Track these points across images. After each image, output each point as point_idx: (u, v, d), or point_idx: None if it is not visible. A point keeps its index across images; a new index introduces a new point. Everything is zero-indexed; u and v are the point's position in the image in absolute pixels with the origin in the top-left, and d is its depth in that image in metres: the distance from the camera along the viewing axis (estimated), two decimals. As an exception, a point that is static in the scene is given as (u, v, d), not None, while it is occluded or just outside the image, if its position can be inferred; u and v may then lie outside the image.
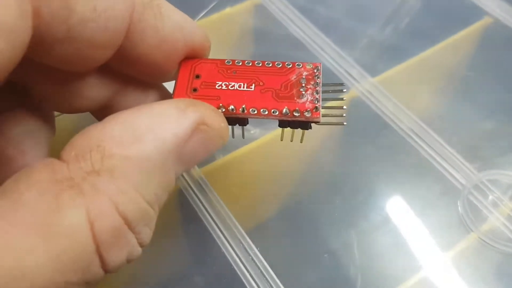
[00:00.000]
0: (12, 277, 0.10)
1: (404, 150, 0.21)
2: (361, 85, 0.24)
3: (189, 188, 0.20)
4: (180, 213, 0.20)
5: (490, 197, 0.20)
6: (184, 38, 0.15)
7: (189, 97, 0.16)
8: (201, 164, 0.20)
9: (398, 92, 0.23)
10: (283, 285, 0.17)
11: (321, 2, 0.28)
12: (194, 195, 0.19)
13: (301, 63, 0.16)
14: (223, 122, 0.14)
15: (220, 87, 0.16)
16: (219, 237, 0.18)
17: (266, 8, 0.28)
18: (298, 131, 0.16)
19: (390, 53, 0.26)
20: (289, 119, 0.15)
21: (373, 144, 0.21)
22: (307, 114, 0.15)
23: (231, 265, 0.18)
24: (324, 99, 0.16)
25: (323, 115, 0.15)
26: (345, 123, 0.16)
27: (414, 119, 0.22)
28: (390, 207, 0.19)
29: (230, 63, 0.16)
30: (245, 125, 0.16)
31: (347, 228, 0.19)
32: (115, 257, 0.12)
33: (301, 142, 0.17)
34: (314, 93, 0.16)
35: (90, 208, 0.11)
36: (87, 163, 0.11)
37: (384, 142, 0.22)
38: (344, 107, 0.16)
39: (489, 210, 0.19)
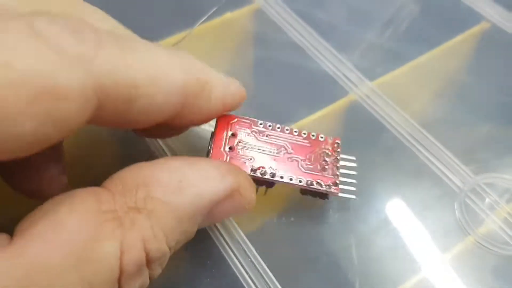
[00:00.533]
0: None
1: (402, 153, 0.21)
2: (360, 89, 0.24)
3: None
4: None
5: (487, 200, 0.20)
6: (224, 107, 0.16)
7: (226, 155, 0.17)
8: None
9: (396, 96, 0.24)
10: (282, 287, 0.17)
11: (320, 6, 0.29)
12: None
13: (324, 136, 0.19)
14: (253, 193, 0.16)
15: (253, 149, 0.18)
16: (218, 240, 0.19)
17: (266, 13, 0.28)
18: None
19: (389, 57, 0.26)
20: (312, 189, 0.17)
21: (371, 147, 0.22)
22: (328, 188, 0.17)
23: (230, 267, 0.18)
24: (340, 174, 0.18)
25: (341, 190, 0.18)
26: (356, 198, 0.19)
27: (412, 123, 0.22)
28: (388, 210, 0.20)
29: (262, 125, 0.18)
30: (271, 188, 0.18)
31: (345, 230, 0.19)
32: (131, 287, 0.13)
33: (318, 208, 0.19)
34: (335, 168, 0.18)
35: (124, 240, 0.12)
36: (132, 199, 0.12)
37: (382, 145, 0.22)
38: (355, 181, 0.18)
39: (485, 213, 0.19)
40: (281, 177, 0.17)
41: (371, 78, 0.24)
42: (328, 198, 0.18)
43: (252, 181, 0.16)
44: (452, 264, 0.18)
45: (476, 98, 0.24)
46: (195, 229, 0.15)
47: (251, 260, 0.18)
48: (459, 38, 0.27)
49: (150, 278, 0.13)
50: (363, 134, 0.22)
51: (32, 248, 0.11)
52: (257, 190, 0.18)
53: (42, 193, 0.16)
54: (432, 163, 0.21)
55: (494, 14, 0.28)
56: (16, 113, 0.10)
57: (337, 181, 0.17)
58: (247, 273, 0.18)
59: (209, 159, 0.15)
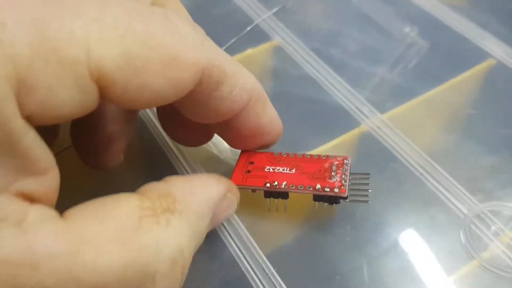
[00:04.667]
0: (88, 270, 0.12)
1: (411, 182, 0.23)
2: (371, 121, 0.26)
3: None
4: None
5: (492, 227, 0.21)
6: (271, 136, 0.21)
7: (244, 177, 0.20)
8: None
9: (406, 128, 0.25)
10: (298, 303, 0.19)
11: (335, 44, 0.31)
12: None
13: (334, 155, 0.21)
14: (238, 193, 0.20)
15: (268, 170, 0.20)
16: (240, 259, 0.20)
17: (284, 50, 0.30)
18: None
19: (399, 91, 0.28)
20: (321, 193, 0.19)
21: (381, 175, 0.23)
22: (336, 190, 0.19)
23: (250, 284, 0.19)
24: (354, 184, 0.20)
25: (351, 195, 0.19)
26: (369, 201, 0.20)
27: (420, 153, 0.24)
28: (396, 234, 0.21)
29: (278, 154, 0.21)
30: (286, 199, 0.20)
31: (357, 252, 0.20)
32: (164, 285, 0.14)
33: (334, 215, 0.21)
34: (343, 176, 0.20)
35: (160, 237, 0.14)
36: (164, 203, 0.15)
37: (392, 173, 0.23)
38: (369, 190, 0.20)
39: (490, 238, 0.21)
40: (292, 187, 0.20)
41: (382, 110, 0.26)
42: (339, 202, 0.20)
43: (235, 186, 0.20)
44: (457, 285, 0.19)
45: (481, 131, 0.26)
46: (206, 231, 0.17)
47: (269, 277, 0.19)
48: (466, 74, 0.29)
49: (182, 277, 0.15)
50: (374, 163, 0.24)
51: (82, 223, 0.13)
52: (270, 208, 0.21)
53: (103, 164, 0.20)
54: (439, 191, 0.22)
55: (500, 52, 0.30)
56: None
57: (344, 185, 0.19)
58: (265, 289, 0.19)
59: (204, 174, 0.19)
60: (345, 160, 0.20)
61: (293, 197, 0.20)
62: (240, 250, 0.20)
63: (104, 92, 0.13)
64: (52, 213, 0.13)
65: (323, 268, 0.20)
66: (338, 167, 0.20)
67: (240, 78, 0.17)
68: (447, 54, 0.31)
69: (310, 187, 0.19)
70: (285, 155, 0.21)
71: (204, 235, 0.17)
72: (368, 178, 0.20)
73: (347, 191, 0.19)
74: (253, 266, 0.20)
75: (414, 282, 0.19)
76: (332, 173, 0.20)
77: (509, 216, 0.22)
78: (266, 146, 0.21)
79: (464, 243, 0.21)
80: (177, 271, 0.14)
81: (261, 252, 0.20)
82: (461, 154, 0.25)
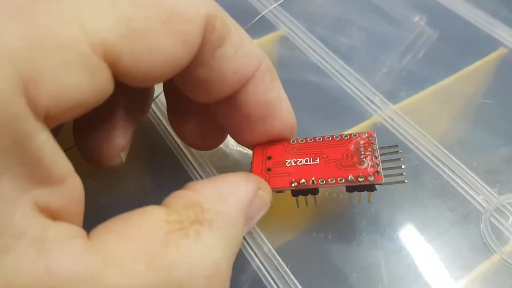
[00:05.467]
0: None
1: (426, 173, 0.22)
2: (383, 112, 0.25)
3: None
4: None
5: (511, 219, 0.20)
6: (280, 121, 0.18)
7: (265, 177, 0.18)
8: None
9: (419, 118, 0.24)
10: (313, 301, 0.18)
11: (341, 32, 0.30)
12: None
13: (357, 133, 0.19)
14: (270, 189, 0.18)
15: (290, 164, 0.18)
16: (249, 254, 0.19)
17: (290, 39, 0.29)
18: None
19: (409, 81, 0.27)
20: (355, 184, 0.17)
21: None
22: (371, 178, 0.17)
23: (262, 282, 0.19)
24: (383, 161, 0.18)
25: (385, 176, 0.17)
26: (406, 181, 0.18)
27: (435, 144, 0.23)
28: (414, 228, 0.20)
29: (295, 142, 0.19)
30: (317, 194, 0.18)
31: (374, 248, 0.19)
32: None
33: (368, 202, 0.19)
34: (374, 158, 0.18)
35: (191, 252, 0.13)
36: (192, 214, 0.13)
37: (407, 165, 0.22)
38: (403, 166, 0.18)
39: (510, 231, 0.20)
40: (322, 181, 0.17)
41: (394, 101, 0.25)
42: (376, 189, 0.18)
43: (266, 182, 0.18)
44: (478, 281, 0.19)
45: (496, 120, 0.25)
46: (242, 236, 0.16)
47: (282, 275, 0.19)
48: (477, 63, 0.28)
49: None
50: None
51: (107, 243, 0.12)
52: (298, 204, 0.19)
53: (102, 162, 0.19)
54: (456, 182, 0.22)
55: (511, 40, 0.29)
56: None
57: (378, 170, 0.17)
58: (278, 287, 0.18)
59: (232, 173, 0.17)
60: (370, 138, 0.18)
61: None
62: (250, 247, 0.19)
63: (115, 69, 0.12)
64: (75, 231, 0.12)
65: (339, 265, 0.19)
66: (365, 147, 0.18)
67: (246, 42, 0.16)
68: (457, 43, 0.30)
69: (341, 179, 0.17)
70: (303, 142, 0.19)
71: (241, 241, 0.15)
72: (398, 152, 0.18)
73: (382, 176, 0.17)
74: (265, 264, 0.19)
75: (434, 277, 0.19)
76: (361, 157, 0.18)
77: (529, 208, 0.21)
78: (278, 137, 0.19)
79: (484, 237, 0.20)
80: (222, 281, 0.13)
81: (272, 249, 0.19)
82: (476, 144, 0.24)
